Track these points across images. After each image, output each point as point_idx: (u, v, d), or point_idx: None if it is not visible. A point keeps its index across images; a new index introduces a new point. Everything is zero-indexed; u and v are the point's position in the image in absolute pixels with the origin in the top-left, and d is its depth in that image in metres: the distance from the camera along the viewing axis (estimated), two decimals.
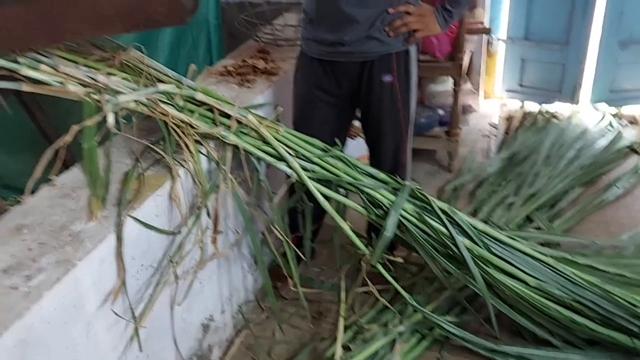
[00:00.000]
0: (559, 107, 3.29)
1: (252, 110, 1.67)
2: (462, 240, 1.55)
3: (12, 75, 1.41)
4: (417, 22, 1.70)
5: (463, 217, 1.61)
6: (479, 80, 3.37)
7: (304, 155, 1.62)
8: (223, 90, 1.91)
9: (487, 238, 1.62)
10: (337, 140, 1.70)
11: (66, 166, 2.09)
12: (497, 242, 1.64)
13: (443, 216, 1.57)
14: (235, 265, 1.82)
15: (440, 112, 2.74)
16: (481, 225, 1.62)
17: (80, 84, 1.45)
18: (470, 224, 1.60)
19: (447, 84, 2.76)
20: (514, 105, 3.44)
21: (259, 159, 1.59)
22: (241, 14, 2.46)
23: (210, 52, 2.42)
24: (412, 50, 1.77)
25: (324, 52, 1.76)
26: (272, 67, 2.11)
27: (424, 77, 2.69)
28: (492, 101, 3.54)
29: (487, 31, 2.79)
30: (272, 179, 1.71)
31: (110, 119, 1.40)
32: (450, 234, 1.54)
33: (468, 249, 1.55)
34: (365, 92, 1.79)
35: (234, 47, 2.41)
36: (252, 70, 2.06)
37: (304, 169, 1.59)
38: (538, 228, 2.19)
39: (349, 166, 1.64)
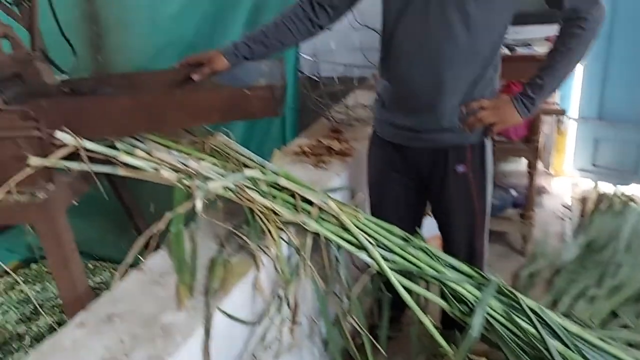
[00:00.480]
0: (636, 190, 3.15)
1: (330, 194, 1.67)
2: (553, 344, 1.45)
3: (109, 159, 1.48)
4: (493, 116, 1.61)
5: (554, 318, 1.52)
6: (550, 159, 3.29)
7: (384, 244, 1.59)
8: (299, 171, 1.94)
9: (579, 341, 1.52)
10: (417, 230, 1.67)
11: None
12: (589, 346, 1.53)
13: (533, 316, 1.48)
14: (306, 352, 1.77)
15: (513, 192, 2.68)
16: (574, 328, 1.52)
17: (172, 169, 1.51)
18: (562, 326, 1.50)
19: (519, 163, 2.71)
20: (587, 185, 3.32)
21: (339, 246, 1.57)
22: (313, 92, 2.53)
23: (283, 130, 2.47)
24: (488, 142, 1.74)
25: (397, 136, 1.75)
26: (346, 148, 2.13)
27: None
28: (563, 180, 3.43)
29: (562, 112, 2.75)
30: (349, 262, 1.68)
31: (199, 206, 1.43)
32: (541, 336, 1.45)
33: (560, 353, 1.45)
34: (438, 180, 1.76)
35: (306, 124, 2.46)
36: (327, 151, 2.09)
37: (385, 259, 1.55)
38: (625, 326, 2.05)
39: (431, 257, 1.60)
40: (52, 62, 1.75)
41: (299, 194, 1.59)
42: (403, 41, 1.62)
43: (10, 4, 1.63)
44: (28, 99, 1.58)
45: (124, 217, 2.09)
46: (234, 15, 2.35)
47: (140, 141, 1.53)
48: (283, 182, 1.59)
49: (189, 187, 1.47)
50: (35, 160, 1.43)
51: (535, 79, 1.57)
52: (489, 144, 1.74)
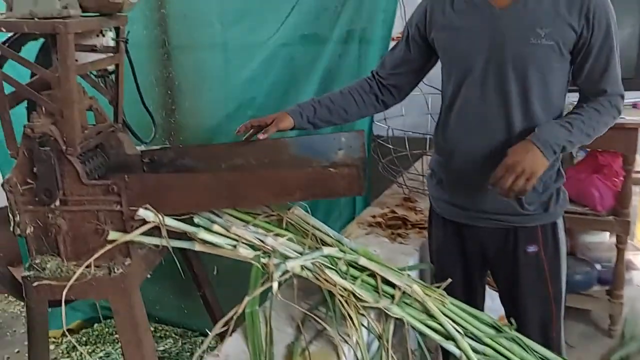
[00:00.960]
0: None
1: (410, 272, 1.57)
2: None
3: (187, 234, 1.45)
4: (519, 174, 1.34)
5: None
6: (634, 231, 3.07)
7: (473, 334, 1.47)
8: (374, 245, 1.85)
9: None
10: (512, 320, 1.53)
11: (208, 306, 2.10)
12: None
13: None
14: None
15: (598, 267, 2.48)
16: None
17: (249, 245, 1.45)
18: None
19: (604, 234, 2.52)
20: None
21: (423, 334, 1.46)
22: (383, 156, 2.46)
23: (353, 197, 2.40)
24: (560, 221, 1.58)
25: (458, 215, 1.61)
26: (422, 219, 2.04)
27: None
28: None
29: None
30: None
31: (276, 287, 1.36)
32: None
33: None
34: (506, 263, 1.59)
35: (376, 191, 2.39)
36: (402, 223, 1.99)
37: (475, 351, 1.42)
38: None
39: (525, 350, 1.46)
40: (133, 133, 1.76)
41: (380, 275, 1.50)
42: (460, 112, 1.53)
43: (96, 76, 1.67)
44: (110, 171, 1.59)
45: (186, 280, 2.04)
46: (306, 83, 2.33)
47: (219, 215, 1.49)
48: (363, 261, 1.50)
49: (266, 265, 1.41)
50: (115, 235, 1.41)
51: (559, 122, 1.42)
52: (560, 221, 1.59)
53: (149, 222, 1.36)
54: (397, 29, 2.01)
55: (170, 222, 1.38)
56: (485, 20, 1.43)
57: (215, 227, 1.44)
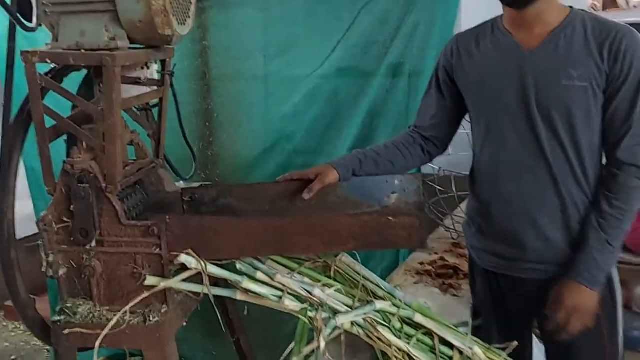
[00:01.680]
0: None
1: (464, 329, 1.44)
2: None
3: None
4: (570, 318, 1.33)
5: None
6: None
7: None
8: (424, 296, 1.72)
9: None
10: None
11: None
12: None
13: None
14: None
15: None
16: None
17: (295, 295, 1.34)
18: None
19: None
20: None
21: None
22: (429, 198, 2.33)
23: None
24: (614, 272, 1.43)
25: (500, 266, 1.47)
26: None
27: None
28: None
29: None
30: None
31: (323, 345, 1.24)
32: None
33: None
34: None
35: None
36: (453, 272, 1.85)
37: None
38: None
39: None
40: (173, 169, 1.68)
41: (437, 335, 1.36)
42: (493, 157, 1.43)
43: (138, 109, 1.60)
44: (149, 210, 1.51)
45: (213, 320, 1.92)
46: (349, 118, 2.25)
47: (261, 260, 1.38)
48: (419, 318, 1.38)
49: (313, 319, 1.29)
50: (153, 281, 1.31)
51: (601, 241, 1.32)
52: (615, 272, 1.43)
53: (191, 268, 1.26)
54: None
55: (213, 269, 1.28)
56: (514, 62, 1.35)
57: (259, 275, 1.33)
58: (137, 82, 1.51)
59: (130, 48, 1.34)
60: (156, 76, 1.54)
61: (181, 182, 1.73)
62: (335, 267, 1.45)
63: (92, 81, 1.46)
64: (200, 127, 2.64)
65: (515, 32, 1.36)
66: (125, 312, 1.30)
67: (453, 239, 2.14)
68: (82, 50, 1.25)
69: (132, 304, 1.26)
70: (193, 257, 1.25)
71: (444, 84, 1.51)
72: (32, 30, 1.19)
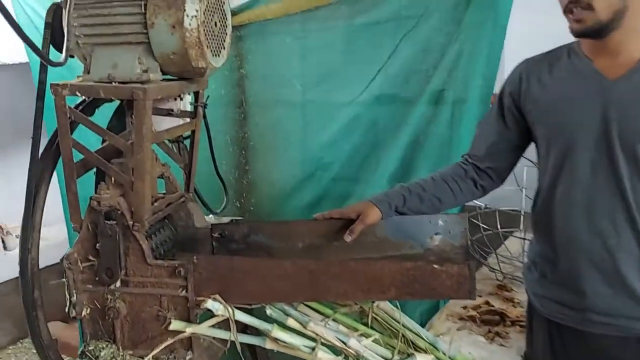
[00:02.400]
0: None
1: None
2: None
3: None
4: None
5: None
6: None
7: None
8: (469, 345, 1.59)
9: None
10: None
11: None
12: None
13: None
14: None
15: None
16: None
17: (329, 345, 1.24)
18: None
19: None
20: None
21: None
22: (471, 235, 2.20)
23: None
24: None
25: (567, 317, 1.32)
26: (522, 315, 1.74)
27: None
28: None
29: None
30: None
31: None
32: None
33: None
34: None
35: None
36: (500, 318, 1.71)
37: None
38: None
39: None
40: (203, 203, 1.62)
41: None
42: (565, 196, 1.28)
43: (170, 141, 1.55)
44: (177, 246, 1.45)
45: None
46: (389, 149, 2.15)
47: (293, 305, 1.29)
48: None
49: None
50: (178, 325, 1.24)
51: None
52: None
53: (217, 314, 1.18)
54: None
55: (241, 316, 1.19)
56: (593, 92, 1.22)
57: (290, 322, 1.24)
58: (169, 113, 1.46)
59: (163, 80, 1.29)
60: (189, 108, 1.49)
61: (212, 216, 1.66)
62: (373, 314, 1.35)
63: (124, 113, 1.42)
64: (236, 155, 2.59)
65: (596, 59, 1.24)
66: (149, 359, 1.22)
67: (498, 280, 2.00)
68: (113, 83, 1.21)
69: (155, 351, 1.19)
70: (220, 302, 1.17)
71: (508, 111, 1.40)
72: (59, 65, 1.15)
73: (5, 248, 2.95)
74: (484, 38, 1.86)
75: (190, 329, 1.22)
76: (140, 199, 1.24)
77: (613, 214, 1.22)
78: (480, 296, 1.88)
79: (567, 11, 1.19)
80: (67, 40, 1.17)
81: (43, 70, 1.26)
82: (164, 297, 1.27)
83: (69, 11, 1.18)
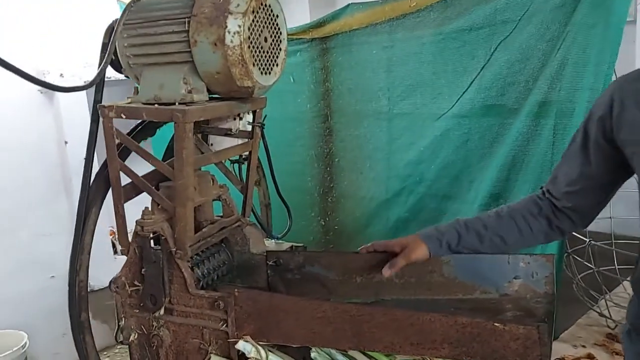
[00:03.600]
0: None
1: None
2: None
3: None
4: None
5: None
6: None
7: None
8: None
9: None
10: None
11: None
12: None
13: None
14: None
15: None
16: None
17: None
18: None
19: None
20: None
21: None
22: (579, 272, 1.88)
23: None
24: None
25: None
26: None
27: None
28: None
29: None
30: None
31: None
32: None
33: None
34: None
35: (565, 316, 1.82)
36: None
37: None
38: None
39: None
40: (263, 228, 1.54)
41: None
42: None
43: (231, 162, 1.50)
44: (233, 272, 1.38)
45: None
46: (482, 167, 1.93)
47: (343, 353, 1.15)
48: None
49: None
50: None
51: None
52: None
53: (249, 357, 1.08)
54: None
55: (274, 359, 1.08)
56: None
57: None
58: (227, 134, 1.40)
59: (212, 99, 1.23)
60: (249, 128, 1.42)
61: (273, 242, 1.58)
62: None
63: None
64: (320, 172, 2.50)
65: None
66: None
67: (609, 327, 1.69)
68: (156, 105, 1.17)
69: None
70: (252, 344, 1.07)
71: (594, 143, 1.12)
72: (67, 90, 1.13)
73: (115, 252, 3.13)
74: (593, 45, 1.58)
75: None
76: (182, 225, 1.18)
77: None
78: (583, 346, 1.59)
79: None
80: (122, 60, 1.16)
81: (98, 90, 1.25)
82: (206, 330, 1.20)
83: (116, 31, 1.16)
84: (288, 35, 2.44)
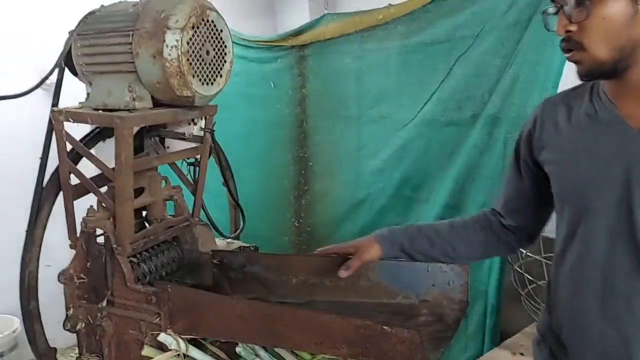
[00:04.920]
0: None
1: None
2: None
3: None
4: None
5: None
6: None
7: None
8: None
9: None
10: None
11: None
12: None
13: None
14: None
15: None
16: None
17: None
18: None
19: None
20: None
21: None
22: (522, 287, 1.92)
23: (482, 332, 1.91)
24: None
25: None
26: None
27: None
28: None
29: None
30: None
31: None
32: None
33: None
34: None
35: (514, 325, 1.87)
36: None
37: None
38: None
39: None
40: (214, 227, 1.62)
41: None
42: (574, 269, 1.04)
43: (188, 164, 1.58)
44: (183, 269, 1.47)
45: None
46: (441, 181, 1.98)
47: (266, 349, 1.23)
48: None
49: None
50: (150, 352, 1.24)
51: None
52: None
53: (171, 349, 1.16)
54: None
55: (194, 352, 1.16)
56: (615, 144, 0.97)
57: None
58: (181, 137, 1.49)
59: (163, 106, 1.31)
60: (201, 133, 1.50)
61: (224, 240, 1.66)
62: None
63: (142, 136, 1.48)
64: (296, 175, 2.58)
65: (621, 103, 0.98)
66: None
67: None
68: (100, 112, 1.25)
69: None
70: (172, 337, 1.15)
71: (523, 162, 1.16)
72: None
73: None
74: (541, 61, 1.63)
75: (158, 357, 1.22)
76: (121, 223, 1.27)
77: (631, 297, 0.97)
78: (522, 354, 1.65)
79: (564, 51, 0.98)
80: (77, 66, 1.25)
81: (55, 95, 1.34)
82: (142, 322, 1.28)
83: (68, 41, 1.25)
84: (270, 42, 2.52)
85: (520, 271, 1.70)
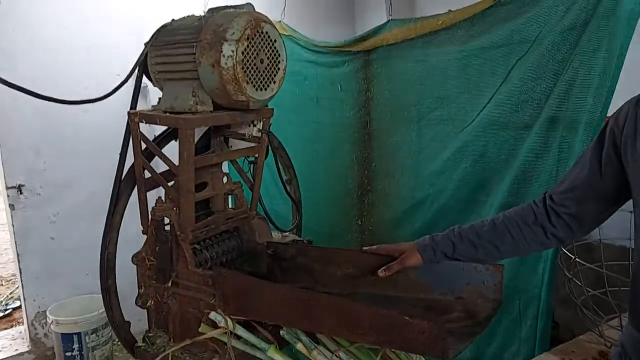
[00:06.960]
0: None
1: None
2: None
3: None
4: None
5: None
6: None
7: None
8: None
9: None
10: None
11: None
12: None
13: None
14: None
15: None
16: None
17: None
18: None
19: None
20: None
21: None
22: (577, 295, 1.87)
23: (534, 335, 1.89)
24: None
25: None
26: None
27: None
28: None
29: None
30: None
31: None
32: None
33: None
34: None
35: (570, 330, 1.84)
36: None
37: None
38: None
39: None
40: (271, 221, 1.75)
41: None
42: None
43: (250, 162, 1.72)
44: (242, 257, 1.61)
45: None
46: (499, 183, 1.99)
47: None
48: None
49: None
50: (205, 329, 1.39)
51: None
52: None
53: (220, 326, 1.30)
54: None
55: (240, 331, 1.29)
56: None
57: (299, 346, 1.29)
58: (241, 138, 1.63)
59: (223, 109, 1.45)
60: (258, 134, 1.63)
61: (279, 234, 1.78)
62: (386, 354, 1.31)
63: (210, 136, 1.64)
64: (359, 176, 2.67)
65: None
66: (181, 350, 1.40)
67: (606, 346, 1.70)
68: (167, 114, 1.42)
69: (175, 347, 1.36)
70: (222, 316, 1.29)
71: (606, 153, 1.11)
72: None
73: None
74: (596, 67, 1.61)
75: (210, 332, 1.36)
76: (183, 213, 1.43)
77: None
78: None
79: None
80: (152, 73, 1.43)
81: (133, 99, 1.53)
82: (202, 302, 1.43)
83: (143, 51, 1.43)
84: (337, 47, 2.63)
85: (576, 280, 1.67)
